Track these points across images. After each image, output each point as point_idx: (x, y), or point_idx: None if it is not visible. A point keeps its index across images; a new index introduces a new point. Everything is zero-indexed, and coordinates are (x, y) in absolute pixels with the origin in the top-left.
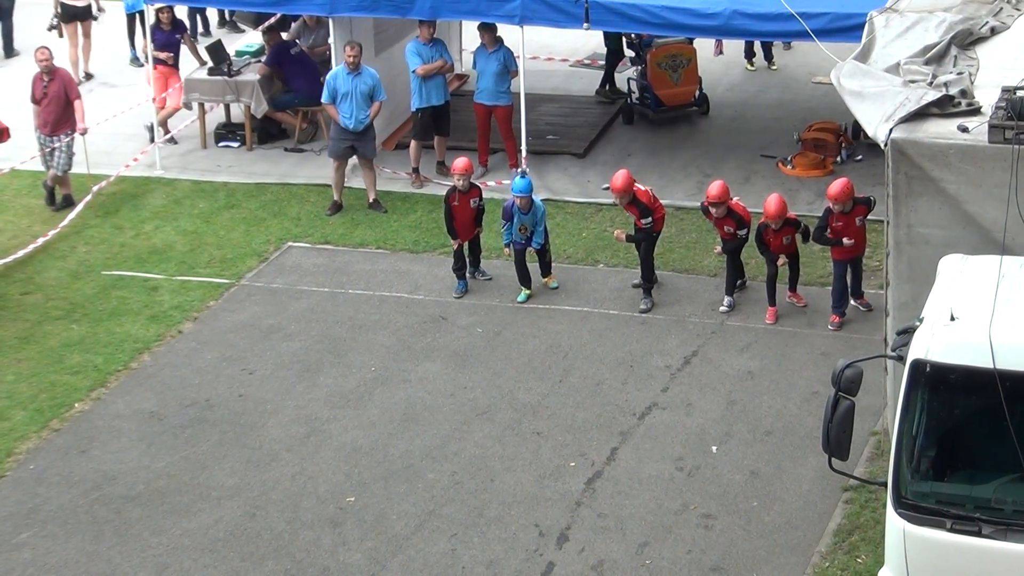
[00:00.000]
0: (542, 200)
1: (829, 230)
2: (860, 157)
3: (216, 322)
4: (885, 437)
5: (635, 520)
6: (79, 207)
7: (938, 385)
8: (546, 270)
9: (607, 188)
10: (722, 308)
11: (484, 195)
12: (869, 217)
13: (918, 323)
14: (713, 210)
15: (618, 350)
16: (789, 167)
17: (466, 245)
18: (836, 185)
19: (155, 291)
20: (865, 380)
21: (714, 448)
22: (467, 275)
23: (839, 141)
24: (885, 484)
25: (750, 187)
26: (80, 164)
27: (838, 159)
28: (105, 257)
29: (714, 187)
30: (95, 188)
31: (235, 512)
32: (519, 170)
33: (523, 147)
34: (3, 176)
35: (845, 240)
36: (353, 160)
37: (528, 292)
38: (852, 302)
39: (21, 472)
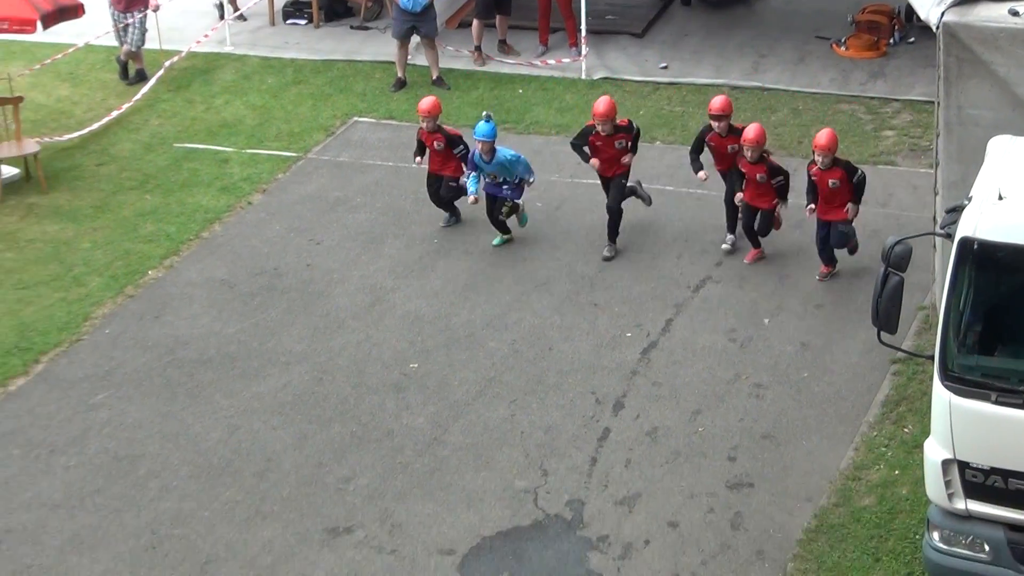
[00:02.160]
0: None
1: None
2: (912, 40)
3: (284, 194)
4: (933, 312)
5: (689, 389)
6: (152, 81)
7: (985, 262)
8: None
9: (664, 67)
10: (724, 246)
11: (545, 73)
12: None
13: (966, 202)
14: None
15: (673, 225)
16: (843, 48)
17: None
18: (823, 134)
19: (225, 163)
20: (914, 257)
21: (766, 320)
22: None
23: (892, 24)
24: (932, 357)
25: (804, 67)
26: (152, 40)
27: (891, 41)
28: (177, 130)
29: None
30: (167, 63)
31: (303, 376)
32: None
33: (583, 26)
34: (78, 51)
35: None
36: (417, 38)
37: (506, 236)
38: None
39: (98, 336)
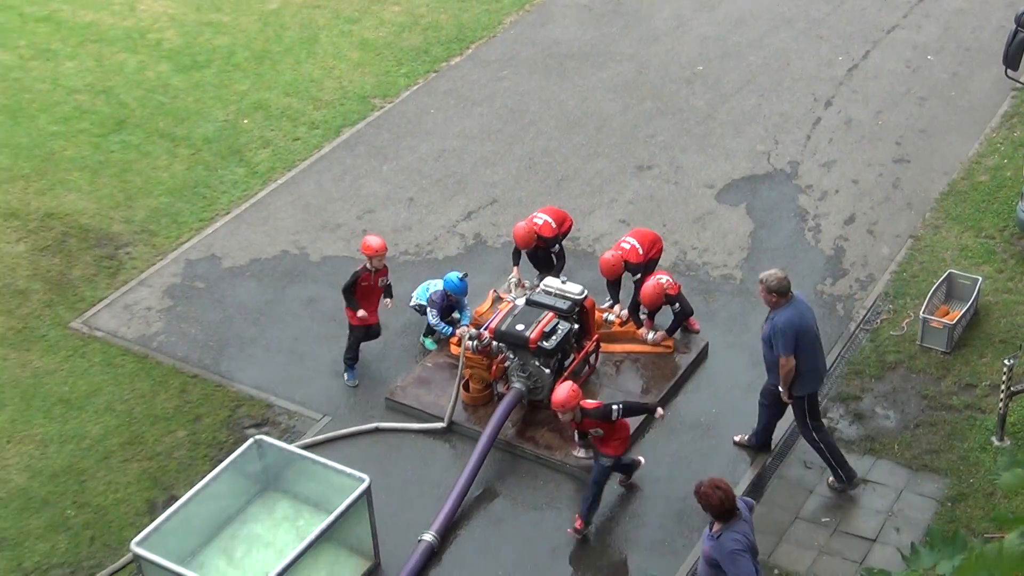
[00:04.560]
0: None
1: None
2: None
3: None
4: None
5: (876, 96)
6: None
7: None
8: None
9: None
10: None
11: None
12: None
13: None
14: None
15: None
16: None
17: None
18: (562, 390)
19: None
20: None
21: (929, 57)
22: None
23: None
24: None
25: None
26: None
27: None
28: None
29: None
30: None
31: (630, 70)
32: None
33: None
34: None
35: (592, 431)
36: None
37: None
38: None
39: (506, 35)
